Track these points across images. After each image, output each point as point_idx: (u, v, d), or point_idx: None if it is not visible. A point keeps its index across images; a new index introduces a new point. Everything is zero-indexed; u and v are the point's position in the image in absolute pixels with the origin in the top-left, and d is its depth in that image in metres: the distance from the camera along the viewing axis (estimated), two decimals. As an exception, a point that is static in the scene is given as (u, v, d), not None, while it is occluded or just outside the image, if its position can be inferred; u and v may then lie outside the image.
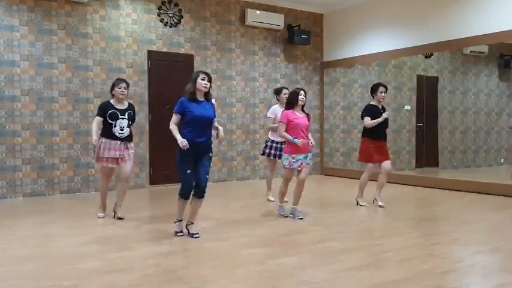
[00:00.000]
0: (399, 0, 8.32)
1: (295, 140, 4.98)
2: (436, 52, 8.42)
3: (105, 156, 5.01)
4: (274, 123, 6.11)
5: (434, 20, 7.67)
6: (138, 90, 7.62)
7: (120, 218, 5.17)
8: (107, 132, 5.01)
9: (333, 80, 9.82)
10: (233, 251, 3.92)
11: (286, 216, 5.24)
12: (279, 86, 9.17)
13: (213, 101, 4.63)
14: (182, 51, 8.10)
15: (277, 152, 6.12)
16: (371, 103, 6.01)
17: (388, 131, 6.07)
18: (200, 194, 4.32)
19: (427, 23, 7.78)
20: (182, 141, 4.15)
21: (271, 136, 6.23)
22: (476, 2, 7.10)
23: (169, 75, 7.90)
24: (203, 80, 4.26)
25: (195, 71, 8.06)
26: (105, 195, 5.33)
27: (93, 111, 7.25)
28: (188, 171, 4.21)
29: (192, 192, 4.34)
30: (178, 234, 4.39)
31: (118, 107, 5.06)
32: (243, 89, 8.77)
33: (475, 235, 4.48)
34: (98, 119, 5.05)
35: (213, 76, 8.34)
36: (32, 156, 6.81)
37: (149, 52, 7.76)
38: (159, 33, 7.87)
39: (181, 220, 4.44)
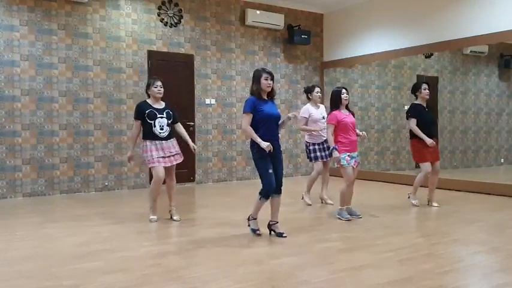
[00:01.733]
0: (399, 0, 8.32)
1: (335, 151, 4.93)
2: (436, 52, 8.42)
3: (156, 157, 4.89)
4: (306, 124, 5.89)
5: (434, 20, 7.67)
6: (138, 90, 7.62)
7: (176, 220, 5.10)
8: (148, 133, 4.94)
9: (333, 80, 9.82)
10: (233, 251, 3.92)
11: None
12: (279, 86, 9.22)
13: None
14: (182, 51, 8.10)
15: (322, 154, 5.91)
16: (416, 102, 5.84)
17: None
18: (279, 190, 4.34)
19: (427, 23, 7.78)
20: (268, 146, 4.08)
21: (309, 139, 5.99)
22: (476, 2, 7.10)
23: (169, 75, 7.90)
24: (266, 79, 4.20)
25: (195, 71, 8.17)
26: (157, 199, 5.13)
27: (93, 111, 7.27)
28: (270, 171, 4.18)
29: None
30: (257, 232, 4.37)
31: (155, 106, 5.01)
32: (243, 89, 8.76)
33: (475, 235, 4.48)
34: (137, 124, 4.98)
35: (213, 76, 8.41)
36: (32, 156, 6.82)
37: (149, 52, 7.76)
38: (159, 33, 7.87)
39: (256, 218, 4.43)
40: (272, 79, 4.23)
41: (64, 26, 7.04)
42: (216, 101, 8.39)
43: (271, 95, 4.32)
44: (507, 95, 9.54)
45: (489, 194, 6.80)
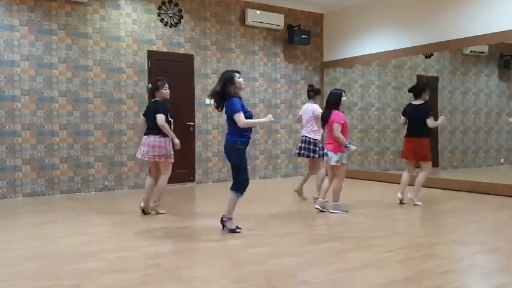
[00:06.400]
0: (399, 1, 8.32)
1: (348, 145, 5.37)
2: (436, 52, 8.41)
3: (172, 152, 5.36)
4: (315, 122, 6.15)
5: (434, 20, 7.67)
6: (138, 90, 7.62)
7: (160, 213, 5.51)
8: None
9: (333, 80, 9.82)
10: (233, 251, 3.92)
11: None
12: (279, 86, 9.22)
13: None
14: (182, 51, 8.10)
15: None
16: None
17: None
18: None
19: (427, 23, 7.78)
20: (270, 116, 4.43)
21: (317, 137, 6.15)
22: (476, 2, 7.10)
23: (169, 75, 7.86)
24: (239, 78, 4.42)
25: (195, 71, 8.16)
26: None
27: (93, 111, 7.26)
28: (248, 167, 4.53)
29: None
30: (238, 230, 4.49)
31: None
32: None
33: (475, 235, 4.48)
34: (165, 118, 5.20)
35: (213, 76, 8.40)
36: (32, 156, 6.81)
37: (149, 52, 7.76)
38: (159, 33, 7.87)
39: (232, 218, 4.56)
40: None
41: (64, 26, 7.04)
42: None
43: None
44: (507, 95, 9.53)
45: (489, 194, 6.80)
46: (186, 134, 8.11)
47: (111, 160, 7.42)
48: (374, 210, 5.79)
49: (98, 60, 7.32)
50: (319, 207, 5.60)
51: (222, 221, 4.56)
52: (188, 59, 8.15)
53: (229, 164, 4.59)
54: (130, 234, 4.55)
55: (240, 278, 3.23)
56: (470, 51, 8.71)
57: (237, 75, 4.40)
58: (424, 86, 6.09)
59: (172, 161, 5.42)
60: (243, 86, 4.46)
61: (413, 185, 6.02)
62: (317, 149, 6.11)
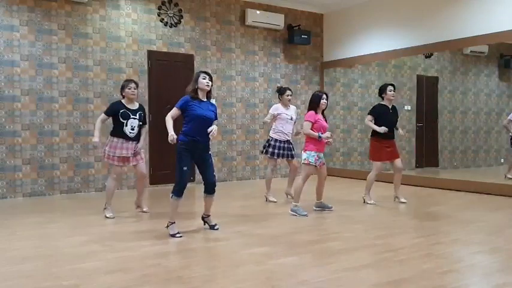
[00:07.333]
0: (399, 0, 8.32)
1: (321, 135, 5.21)
2: (436, 52, 8.41)
3: (116, 155, 5.17)
4: (274, 121, 6.24)
5: (434, 20, 7.67)
6: (138, 90, 7.59)
7: (145, 212, 5.57)
8: (118, 131, 5.19)
9: (333, 80, 9.82)
10: (233, 251, 3.92)
11: (307, 215, 5.34)
12: (279, 86, 9.20)
13: (213, 100, 4.69)
14: (182, 51, 8.10)
15: (281, 152, 6.16)
16: (380, 103, 6.16)
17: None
18: (211, 189, 4.57)
19: (427, 23, 7.78)
20: (171, 135, 4.23)
21: (274, 135, 6.23)
22: (476, 2, 7.10)
23: (169, 75, 7.90)
24: (204, 79, 4.40)
25: (195, 71, 8.16)
26: (112, 195, 5.39)
27: (93, 111, 7.26)
28: (185, 168, 4.31)
29: (203, 190, 4.61)
30: (177, 235, 4.35)
31: (129, 107, 5.27)
32: (243, 89, 8.77)
33: (475, 235, 4.48)
34: (104, 117, 5.23)
35: (213, 76, 8.39)
36: (32, 156, 6.82)
37: (149, 52, 7.76)
38: (159, 33, 7.87)
39: (174, 222, 4.42)
40: (210, 79, 4.43)
41: (64, 26, 7.04)
42: (215, 101, 8.36)
43: (208, 96, 4.49)
44: (507, 95, 9.53)
45: (489, 194, 6.80)
46: (186, 134, 8.11)
47: (111, 160, 7.42)
48: (373, 210, 5.79)
49: (98, 60, 7.32)
50: (318, 208, 5.67)
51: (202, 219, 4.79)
52: (188, 59, 8.16)
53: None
54: (130, 234, 4.55)
55: (240, 278, 3.23)
56: (470, 51, 8.72)
57: (202, 75, 4.41)
58: (380, 88, 6.21)
59: (109, 162, 5.28)
60: (206, 86, 4.39)
61: (400, 183, 6.19)
62: (267, 145, 6.31)
